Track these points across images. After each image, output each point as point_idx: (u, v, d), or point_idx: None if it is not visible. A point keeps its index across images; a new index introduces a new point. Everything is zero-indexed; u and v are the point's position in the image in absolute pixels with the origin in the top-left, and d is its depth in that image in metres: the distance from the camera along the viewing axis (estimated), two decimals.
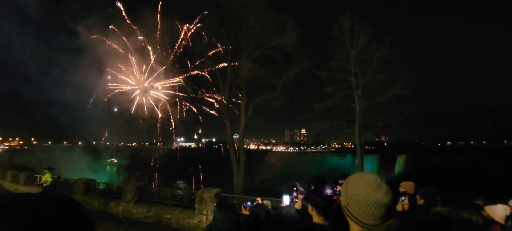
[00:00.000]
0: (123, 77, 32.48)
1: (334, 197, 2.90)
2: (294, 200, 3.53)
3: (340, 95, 23.69)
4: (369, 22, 25.40)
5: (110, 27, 29.71)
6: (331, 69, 23.60)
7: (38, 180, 18.05)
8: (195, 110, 33.12)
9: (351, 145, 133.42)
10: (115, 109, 32.90)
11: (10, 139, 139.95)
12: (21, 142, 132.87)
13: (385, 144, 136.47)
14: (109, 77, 31.80)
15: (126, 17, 30.37)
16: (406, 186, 4.46)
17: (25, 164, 31.53)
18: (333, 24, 23.34)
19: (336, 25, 23.13)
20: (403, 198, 3.96)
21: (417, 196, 4.29)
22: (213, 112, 29.83)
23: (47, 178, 13.68)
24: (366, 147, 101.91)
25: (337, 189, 2.94)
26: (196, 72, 30.52)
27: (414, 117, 23.76)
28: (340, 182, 3.95)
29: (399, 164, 54.43)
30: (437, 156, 58.55)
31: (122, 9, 30.13)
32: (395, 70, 22.70)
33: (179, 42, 31.44)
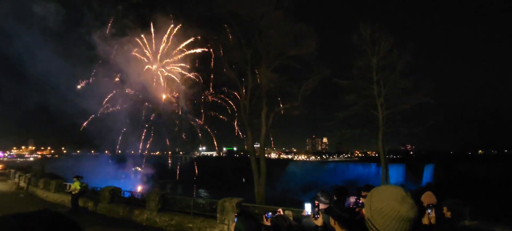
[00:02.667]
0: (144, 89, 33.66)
1: (357, 209, 2.84)
2: (316, 216, 3.47)
3: (362, 103, 23.29)
4: (391, 28, 25.06)
5: (127, 38, 31.09)
6: (352, 77, 23.33)
7: (67, 188, 18.80)
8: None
9: (374, 154, 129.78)
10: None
11: (42, 148, 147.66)
12: (52, 151, 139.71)
13: (410, 152, 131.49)
14: (131, 88, 33.08)
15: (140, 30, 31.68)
16: (426, 197, 4.29)
17: (56, 172, 32.99)
18: (353, 31, 23.17)
19: (357, 32, 22.91)
20: (429, 211, 3.82)
21: (444, 208, 4.12)
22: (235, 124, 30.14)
23: (76, 186, 14.29)
24: (391, 155, 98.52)
25: (360, 201, 2.87)
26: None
27: (441, 124, 23.03)
28: (363, 194, 3.85)
29: (427, 173, 52.31)
30: (468, 165, 55.57)
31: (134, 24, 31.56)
32: (418, 77, 22.18)
33: (197, 53, 32.22)
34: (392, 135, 24.25)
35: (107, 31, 30.37)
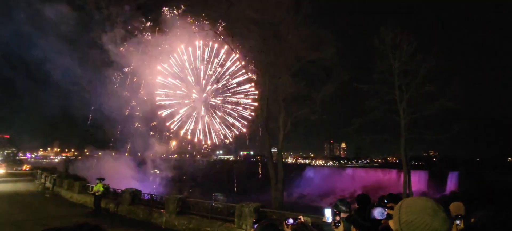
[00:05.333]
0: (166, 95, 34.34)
1: (383, 221, 2.75)
2: (337, 224, 3.40)
3: (383, 108, 22.71)
4: (413, 31, 24.42)
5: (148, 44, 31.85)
6: (373, 82, 22.81)
7: (90, 189, 19.40)
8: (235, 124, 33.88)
9: (395, 160, 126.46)
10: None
11: (66, 150, 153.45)
12: (75, 153, 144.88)
13: (433, 159, 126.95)
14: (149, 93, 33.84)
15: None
16: (455, 207, 4.08)
17: (79, 173, 34.14)
18: (374, 35, 22.69)
19: (377, 37, 22.41)
20: (458, 222, 3.65)
21: (472, 220, 3.91)
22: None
23: (99, 187, 14.71)
24: (413, 162, 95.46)
25: (385, 212, 2.78)
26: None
27: (467, 130, 22.06)
28: (389, 205, 3.71)
29: (451, 181, 50.32)
30: (496, 173, 52.88)
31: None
32: (443, 81, 21.38)
33: (214, 58, 32.59)
34: (415, 141, 23.50)
35: (123, 37, 31.41)
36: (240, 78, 30.55)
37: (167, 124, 35.24)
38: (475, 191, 40.01)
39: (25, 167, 58.22)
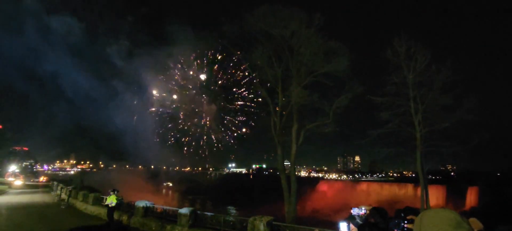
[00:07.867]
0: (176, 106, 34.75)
1: None
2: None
3: (398, 121, 22.22)
4: (427, 41, 24.09)
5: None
6: (387, 94, 22.39)
7: (103, 201, 19.60)
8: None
9: (411, 174, 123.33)
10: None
11: (82, 162, 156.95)
12: (91, 165, 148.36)
13: (451, 173, 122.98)
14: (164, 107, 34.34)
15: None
16: (471, 223, 3.87)
17: (93, 184, 34.73)
18: (387, 47, 22.44)
19: (391, 48, 22.17)
20: None
21: None
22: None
23: (112, 199, 14.84)
24: (430, 176, 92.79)
25: (405, 226, 2.68)
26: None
27: (487, 142, 21.30)
28: (409, 217, 3.60)
29: (471, 196, 48.52)
30: None
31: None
32: (460, 92, 20.81)
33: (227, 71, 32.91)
34: (431, 154, 22.81)
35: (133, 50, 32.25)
36: (252, 91, 30.80)
37: (179, 133, 35.63)
38: (496, 206, 38.44)
39: (42, 178, 59.71)
